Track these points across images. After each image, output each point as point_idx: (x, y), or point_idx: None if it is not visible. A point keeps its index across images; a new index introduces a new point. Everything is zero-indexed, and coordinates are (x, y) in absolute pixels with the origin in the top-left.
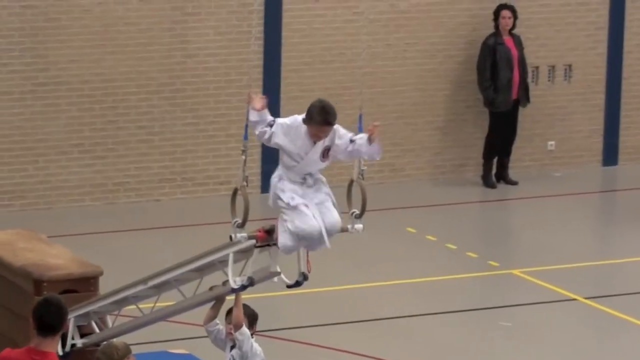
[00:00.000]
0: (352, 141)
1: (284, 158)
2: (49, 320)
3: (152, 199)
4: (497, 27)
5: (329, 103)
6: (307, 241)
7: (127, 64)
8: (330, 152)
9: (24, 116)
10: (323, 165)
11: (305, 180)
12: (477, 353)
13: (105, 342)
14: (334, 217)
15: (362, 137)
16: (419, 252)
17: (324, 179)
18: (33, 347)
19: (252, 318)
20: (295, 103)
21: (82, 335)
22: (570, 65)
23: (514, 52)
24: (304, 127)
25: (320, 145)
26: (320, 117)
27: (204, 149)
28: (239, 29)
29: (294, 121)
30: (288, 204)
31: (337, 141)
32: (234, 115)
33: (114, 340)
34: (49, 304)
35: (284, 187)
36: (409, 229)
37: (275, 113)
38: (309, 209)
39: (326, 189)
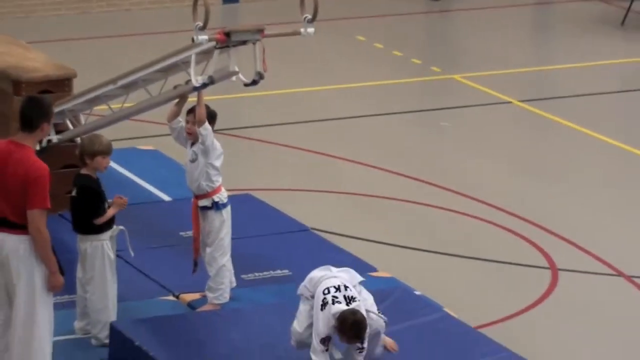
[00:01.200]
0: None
1: None
2: (28, 114)
3: (123, 9)
4: None
5: (361, 316)
6: None
7: None
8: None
9: None
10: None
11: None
12: (420, 150)
13: (94, 134)
14: None
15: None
16: (367, 58)
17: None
18: (13, 139)
19: (211, 117)
20: None
21: (57, 132)
22: None
23: None
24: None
25: None
26: (353, 332)
27: None
28: None
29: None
30: None
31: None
32: None
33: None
34: (30, 100)
35: None
36: (359, 37)
37: None
38: None
39: None
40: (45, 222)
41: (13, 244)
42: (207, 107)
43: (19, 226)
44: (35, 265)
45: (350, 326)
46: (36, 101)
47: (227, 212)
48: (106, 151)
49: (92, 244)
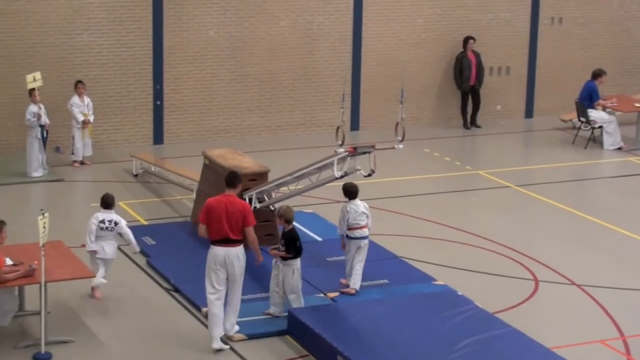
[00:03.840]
0: None
1: None
2: (231, 180)
3: (294, 133)
4: (464, 48)
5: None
6: None
7: (283, 65)
8: None
9: (230, 92)
10: None
11: None
12: (460, 212)
13: (282, 205)
14: None
15: None
16: (430, 161)
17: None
18: (225, 194)
19: (351, 191)
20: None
21: (259, 202)
22: (508, 67)
23: (473, 61)
24: None
25: None
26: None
27: (321, 108)
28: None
29: None
30: None
31: None
32: (339, 92)
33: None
34: (232, 172)
35: None
36: (425, 150)
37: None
38: None
39: None
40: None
41: (235, 252)
42: (352, 183)
43: (236, 241)
44: (243, 263)
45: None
46: (235, 173)
47: (352, 242)
48: (293, 212)
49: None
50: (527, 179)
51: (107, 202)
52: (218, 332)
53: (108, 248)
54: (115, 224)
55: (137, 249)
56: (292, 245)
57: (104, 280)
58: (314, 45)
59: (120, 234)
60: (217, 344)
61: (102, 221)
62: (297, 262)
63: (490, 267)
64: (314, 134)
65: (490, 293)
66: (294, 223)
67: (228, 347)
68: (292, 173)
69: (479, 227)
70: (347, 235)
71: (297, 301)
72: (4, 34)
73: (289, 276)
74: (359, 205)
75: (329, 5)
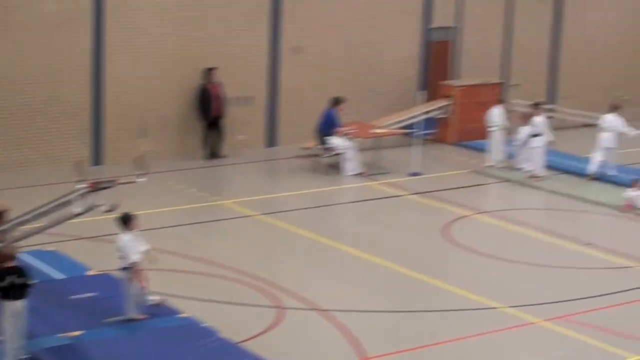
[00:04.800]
0: None
1: None
2: None
3: (36, 169)
4: (207, 78)
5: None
6: None
7: (24, 99)
8: None
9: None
10: None
11: None
12: (203, 243)
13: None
14: None
15: None
16: (175, 194)
17: None
18: None
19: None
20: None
21: None
22: (251, 97)
23: (215, 92)
24: None
25: None
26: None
27: (63, 143)
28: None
29: None
30: None
31: None
32: (81, 126)
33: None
34: None
35: None
36: (170, 182)
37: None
38: None
39: None
40: None
41: None
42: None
43: None
44: None
45: None
46: None
47: None
48: (16, 250)
49: None
50: (270, 207)
51: None
52: None
53: None
54: None
55: None
56: None
57: None
58: (56, 79)
59: None
60: None
61: None
62: (7, 305)
63: (235, 297)
64: (56, 169)
65: (236, 322)
66: (30, 258)
67: None
68: (32, 211)
69: (223, 258)
70: None
71: (9, 345)
72: None
73: None
74: (119, 239)
75: (73, 38)
